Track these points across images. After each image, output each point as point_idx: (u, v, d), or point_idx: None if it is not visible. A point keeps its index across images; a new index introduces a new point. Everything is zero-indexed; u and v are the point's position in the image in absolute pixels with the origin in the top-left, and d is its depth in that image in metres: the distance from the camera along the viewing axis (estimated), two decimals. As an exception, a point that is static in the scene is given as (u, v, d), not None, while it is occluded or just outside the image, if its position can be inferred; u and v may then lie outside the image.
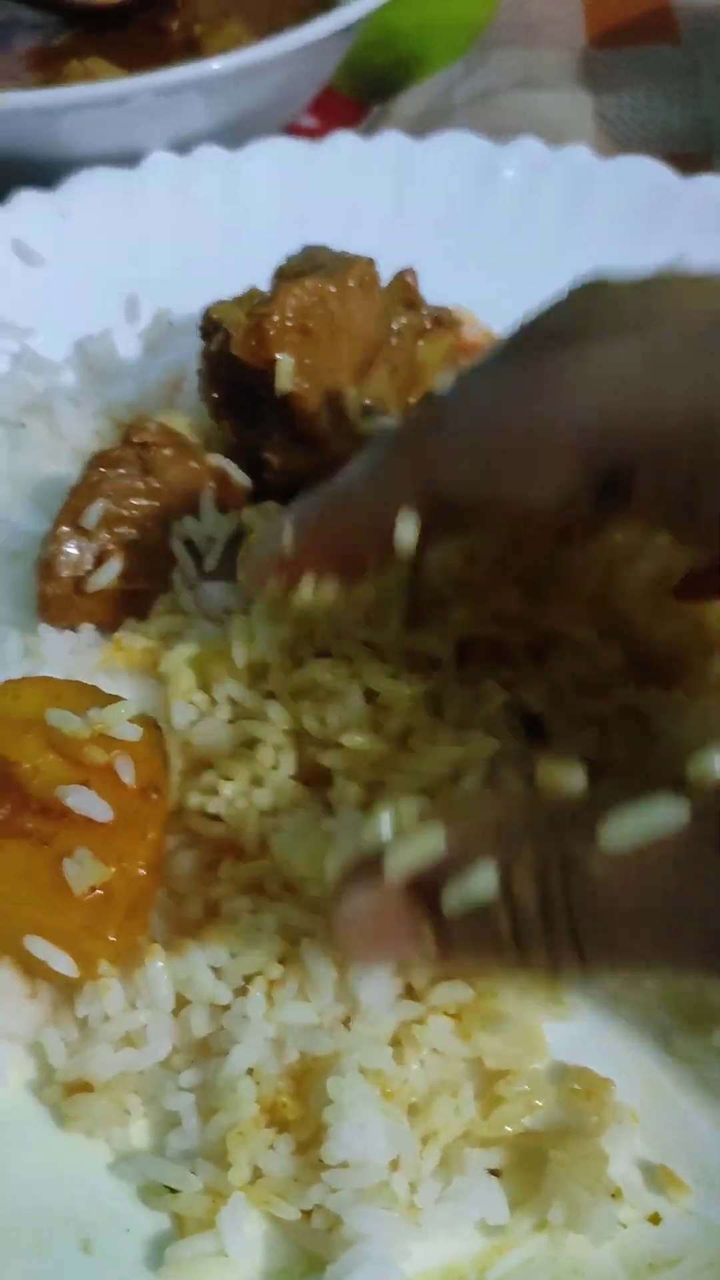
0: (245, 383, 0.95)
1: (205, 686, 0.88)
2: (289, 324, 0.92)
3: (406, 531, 0.63)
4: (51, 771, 0.78)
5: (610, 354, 0.56)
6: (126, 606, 0.96)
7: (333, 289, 0.94)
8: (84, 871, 0.73)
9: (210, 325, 0.97)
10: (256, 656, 0.86)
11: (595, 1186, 0.69)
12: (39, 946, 0.72)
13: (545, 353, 0.58)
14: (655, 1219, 0.72)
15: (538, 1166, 0.71)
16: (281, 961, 0.75)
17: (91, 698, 0.83)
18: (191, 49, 1.52)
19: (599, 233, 1.22)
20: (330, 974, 0.73)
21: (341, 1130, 0.68)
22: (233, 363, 0.95)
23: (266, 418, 0.97)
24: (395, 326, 1.01)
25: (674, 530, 0.60)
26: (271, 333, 0.92)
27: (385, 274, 1.09)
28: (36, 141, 1.25)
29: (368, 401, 0.97)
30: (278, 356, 0.92)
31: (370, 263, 0.98)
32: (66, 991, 0.76)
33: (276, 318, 0.92)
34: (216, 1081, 0.72)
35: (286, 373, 0.92)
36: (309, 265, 0.98)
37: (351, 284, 0.96)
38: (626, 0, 1.74)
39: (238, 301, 0.96)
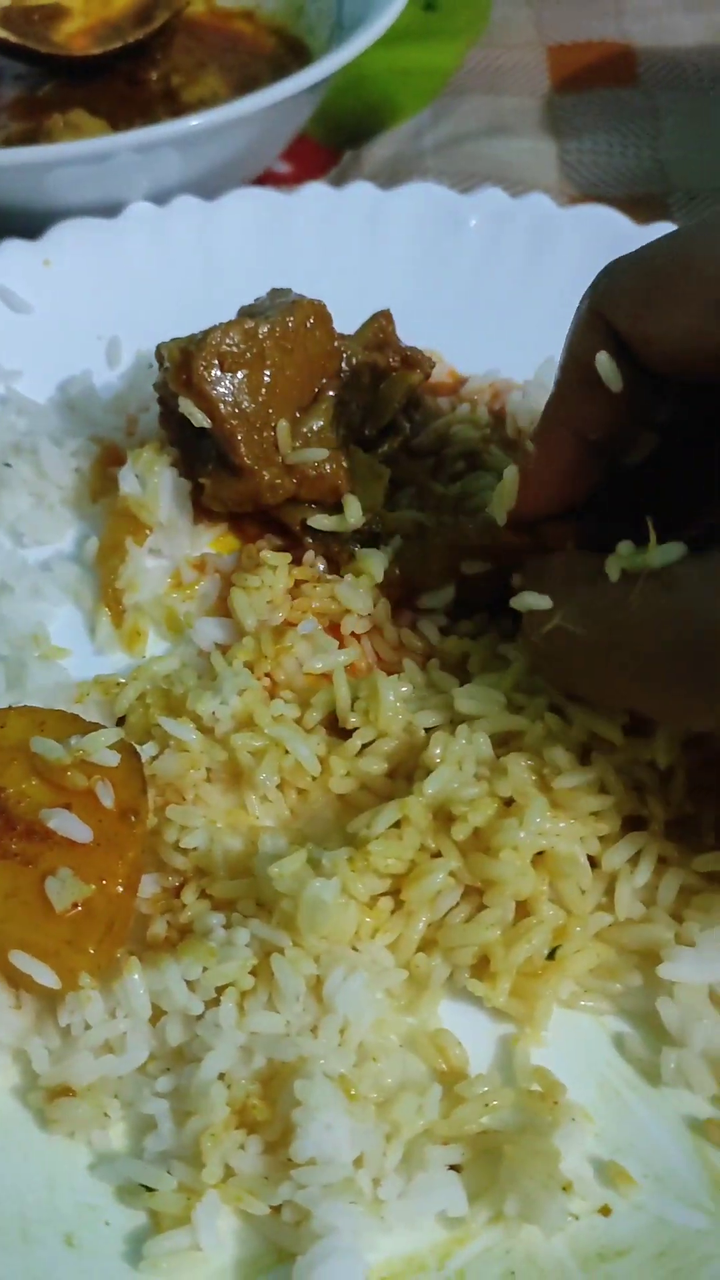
0: (182, 414, 1.01)
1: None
2: (214, 362, 0.99)
3: (606, 366, 0.77)
4: (35, 796, 0.83)
5: None
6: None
7: (265, 329, 1.00)
8: (66, 889, 0.77)
9: (159, 360, 1.04)
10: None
11: (548, 1181, 0.73)
12: (23, 960, 0.77)
13: None
14: (606, 1211, 0.76)
15: (495, 1162, 0.76)
16: (253, 973, 0.80)
17: (73, 726, 0.89)
18: (170, 99, 1.59)
19: (557, 277, 1.27)
20: (299, 985, 0.78)
21: (309, 1130, 0.72)
22: (173, 395, 1.02)
23: (203, 445, 1.04)
24: (345, 365, 1.06)
25: None
26: (200, 369, 0.99)
27: (358, 318, 1.15)
28: (22, 194, 1.31)
29: (306, 431, 1.02)
30: (182, 398, 1.00)
31: (316, 305, 1.05)
32: (49, 1001, 0.81)
33: (204, 354, 0.99)
34: (190, 1086, 0.76)
35: (193, 412, 1.00)
36: (267, 306, 1.04)
37: (291, 323, 1.02)
38: (588, 46, 1.81)
39: (183, 340, 1.02)
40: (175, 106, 1.58)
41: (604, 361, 0.77)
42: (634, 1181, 0.77)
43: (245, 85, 1.43)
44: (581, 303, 0.80)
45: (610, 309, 0.76)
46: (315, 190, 1.34)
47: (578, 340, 0.80)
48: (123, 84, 1.63)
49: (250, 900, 0.84)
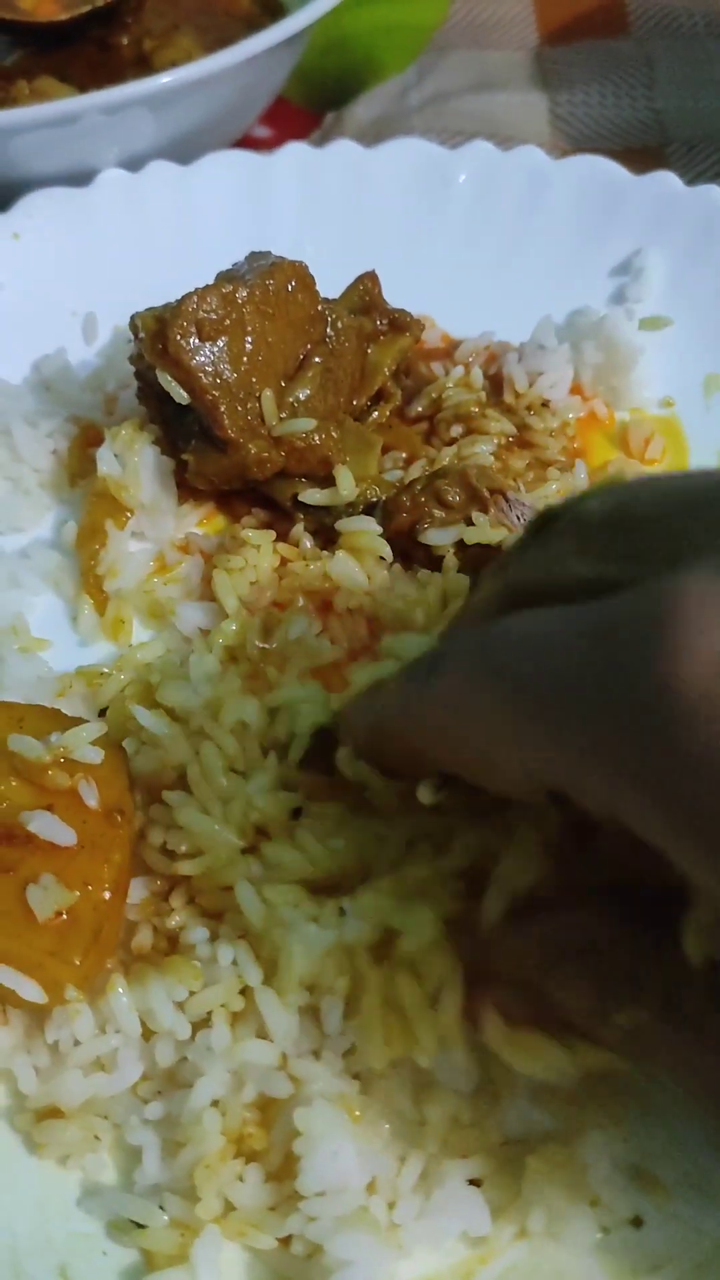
0: (161, 388, 0.96)
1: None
2: (191, 330, 0.93)
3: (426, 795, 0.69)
4: (14, 797, 0.77)
5: None
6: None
7: (244, 293, 0.94)
8: (48, 897, 0.72)
9: (134, 332, 0.98)
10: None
11: (574, 1194, 0.69)
12: (4, 974, 0.71)
13: None
14: (638, 1222, 0.71)
15: (517, 1175, 0.71)
16: (243, 993, 0.74)
17: (53, 721, 0.83)
18: (142, 64, 1.52)
19: (553, 233, 1.22)
20: (285, 1019, 0.72)
21: (314, 1162, 0.67)
22: (150, 368, 0.96)
23: (185, 420, 0.99)
24: (331, 330, 1.00)
25: None
26: (176, 337, 0.93)
27: (345, 280, 1.09)
28: (-14, 164, 1.24)
29: (293, 401, 0.97)
30: (159, 370, 0.94)
31: (297, 266, 0.99)
32: (37, 1016, 0.76)
33: (180, 322, 0.93)
34: (182, 1115, 0.71)
35: (172, 384, 0.94)
36: (245, 270, 0.99)
37: (272, 286, 0.96)
38: (578, -5, 1.74)
39: (158, 309, 0.97)
40: (148, 71, 1.50)
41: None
42: (666, 1190, 0.72)
43: (220, 47, 1.37)
44: None
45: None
46: (296, 150, 1.28)
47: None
48: (93, 50, 1.56)
49: (237, 919, 0.76)
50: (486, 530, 0.94)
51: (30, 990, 0.72)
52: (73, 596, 1.03)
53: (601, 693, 0.50)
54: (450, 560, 0.95)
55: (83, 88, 1.48)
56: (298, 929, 0.72)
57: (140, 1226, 0.69)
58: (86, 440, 1.11)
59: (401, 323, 1.07)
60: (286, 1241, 0.68)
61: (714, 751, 0.46)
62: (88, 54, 1.56)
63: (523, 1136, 0.72)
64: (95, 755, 0.79)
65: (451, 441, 1.07)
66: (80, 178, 1.24)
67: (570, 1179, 0.69)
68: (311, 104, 1.60)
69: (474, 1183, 0.71)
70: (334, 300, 1.05)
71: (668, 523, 0.59)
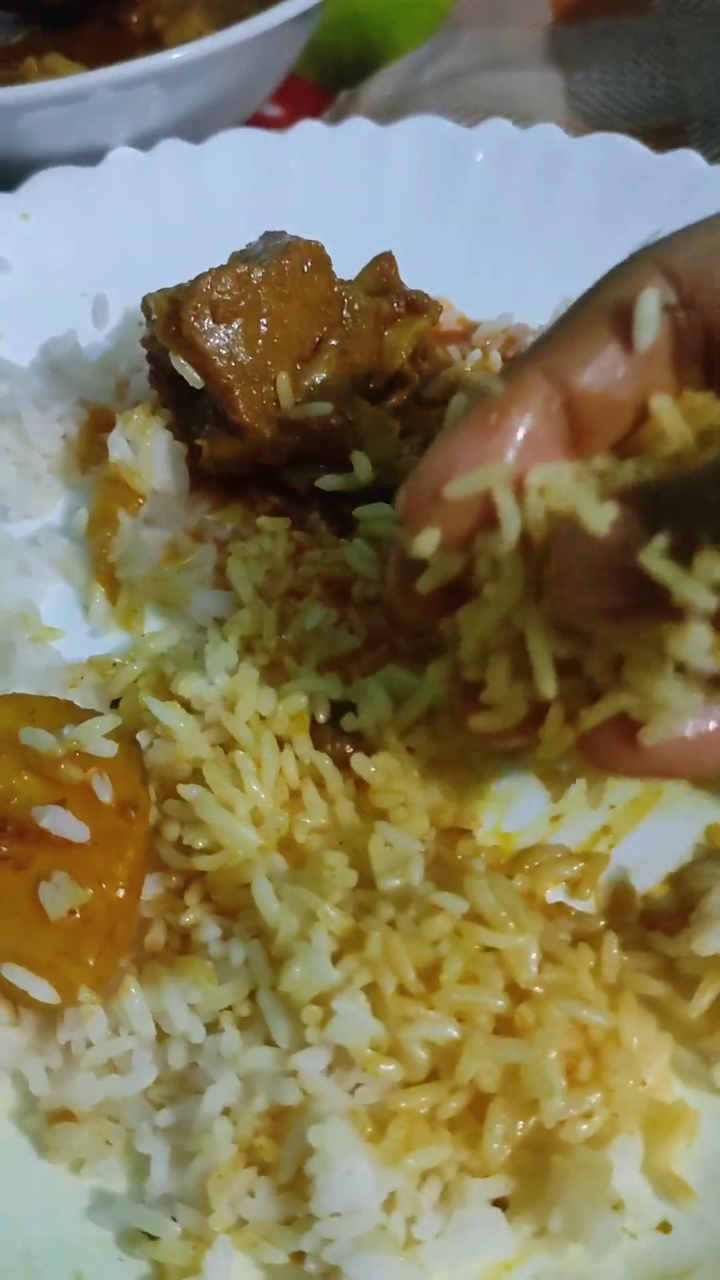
0: (174, 371, 0.93)
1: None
2: (205, 311, 0.91)
3: (649, 305, 0.61)
4: (26, 792, 0.76)
5: None
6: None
7: (259, 274, 0.92)
8: (61, 895, 0.70)
9: (146, 314, 0.96)
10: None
11: (597, 1197, 0.67)
12: (17, 975, 0.70)
13: None
14: (666, 1228, 0.70)
15: (543, 1193, 0.69)
16: (251, 996, 0.72)
17: (66, 714, 0.81)
18: (152, 42, 1.49)
19: (572, 213, 1.19)
20: (287, 1026, 0.70)
21: (329, 1181, 0.65)
22: (163, 350, 0.94)
23: (199, 403, 0.96)
24: (347, 312, 0.98)
25: None
26: (190, 319, 0.91)
27: (360, 263, 1.06)
28: (-6, 142, 1.22)
29: (308, 384, 0.94)
30: (173, 353, 0.92)
31: (313, 246, 0.96)
32: (49, 1017, 0.74)
33: (194, 303, 0.91)
34: (193, 1123, 0.69)
35: (185, 367, 0.92)
36: (260, 250, 0.96)
37: (287, 267, 0.93)
38: (594, -27, 1.71)
39: (171, 290, 0.95)
40: (158, 49, 1.48)
41: (649, 300, 0.61)
42: (694, 1194, 0.70)
43: (231, 24, 1.34)
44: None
45: (672, 252, 0.63)
46: (309, 129, 1.25)
47: (611, 280, 0.65)
48: (101, 28, 1.53)
49: (251, 917, 0.75)
50: None
51: (43, 991, 0.70)
52: (84, 585, 1.01)
53: None
54: None
55: (91, 66, 1.44)
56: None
57: (151, 1238, 0.68)
58: (97, 425, 1.09)
59: (419, 304, 1.05)
60: (298, 1257, 0.67)
61: None
62: (96, 32, 1.53)
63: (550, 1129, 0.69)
64: (109, 749, 0.78)
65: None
66: (90, 157, 1.22)
67: (594, 1183, 0.67)
68: (324, 82, 1.58)
69: (498, 1203, 0.69)
70: (350, 281, 1.03)
71: None
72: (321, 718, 0.85)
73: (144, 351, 1.02)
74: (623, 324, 0.63)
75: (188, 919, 0.77)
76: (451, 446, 0.63)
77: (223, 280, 0.92)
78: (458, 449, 0.63)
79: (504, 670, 0.68)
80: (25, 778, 0.76)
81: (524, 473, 0.63)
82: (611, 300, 0.64)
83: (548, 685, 0.63)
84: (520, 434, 0.63)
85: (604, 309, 0.64)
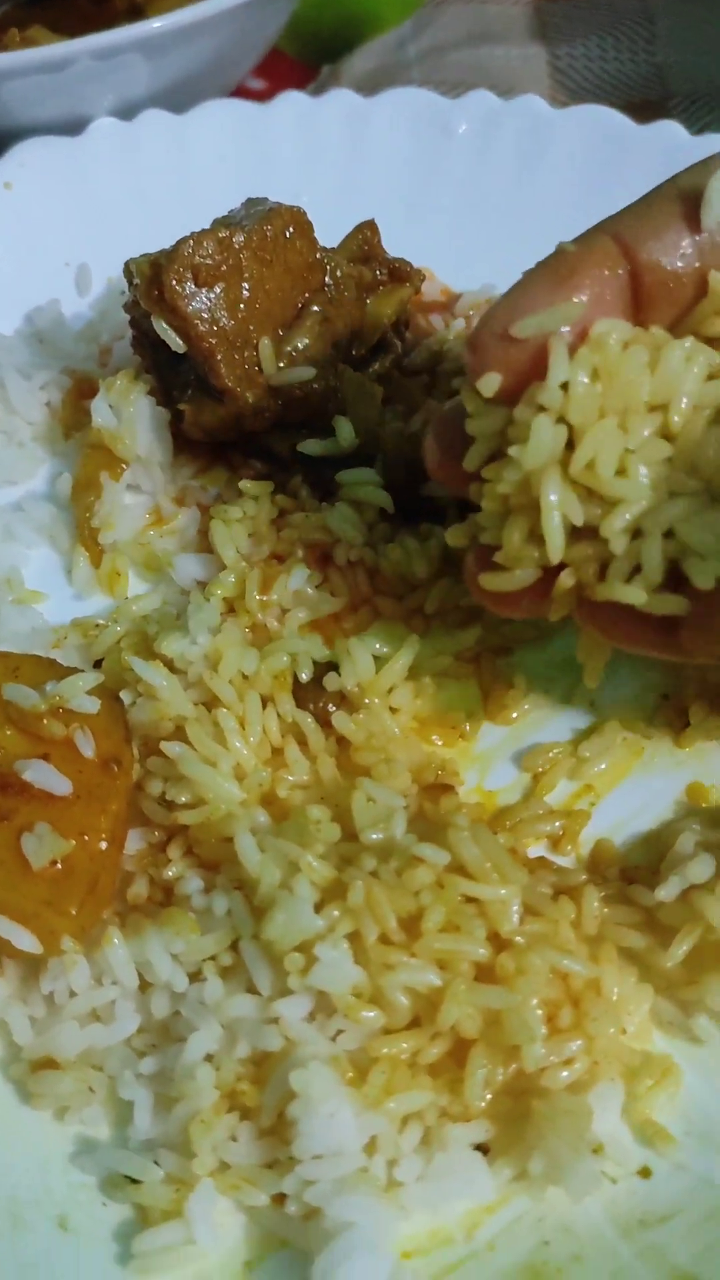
0: (156, 336, 0.94)
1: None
2: (187, 275, 0.91)
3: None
4: (10, 746, 0.76)
5: None
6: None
7: (241, 239, 0.92)
8: (43, 846, 0.71)
9: (128, 278, 0.96)
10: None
11: (577, 1141, 0.67)
12: (0, 924, 0.70)
13: None
14: (646, 1173, 0.70)
15: (523, 1125, 0.69)
16: (234, 947, 0.72)
17: (49, 671, 0.82)
18: (135, 16, 1.49)
19: (555, 184, 1.20)
20: (269, 974, 0.70)
21: (311, 1125, 0.65)
22: (145, 315, 0.94)
23: (181, 369, 0.96)
24: (330, 279, 0.98)
25: None
26: (172, 282, 0.91)
27: (342, 231, 1.06)
28: (-24, 112, 1.22)
29: (291, 350, 0.95)
30: (155, 317, 0.92)
31: (295, 212, 0.96)
32: (32, 967, 0.74)
33: (176, 267, 0.91)
34: (175, 1070, 0.69)
35: (167, 331, 0.92)
36: (242, 216, 0.96)
37: (270, 232, 0.94)
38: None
39: (153, 254, 0.95)
40: (141, 22, 1.49)
41: (718, 181, 0.69)
42: (674, 1140, 0.71)
43: (216, -3, 1.34)
44: None
45: None
46: (293, 99, 1.25)
47: (689, 169, 0.72)
48: (85, 2, 1.53)
49: (234, 870, 0.75)
50: None
51: (25, 940, 0.70)
52: (68, 549, 1.01)
53: None
54: (452, 512, 0.93)
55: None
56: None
57: (134, 1182, 0.68)
58: (80, 392, 1.09)
59: (401, 272, 1.05)
60: (279, 1199, 0.67)
61: None
62: (80, 6, 1.53)
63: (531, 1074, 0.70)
64: (92, 705, 0.78)
65: (453, 394, 1.05)
66: (73, 126, 1.22)
67: (574, 1127, 0.68)
68: (306, 56, 1.57)
69: (479, 1148, 0.69)
70: (333, 249, 1.03)
71: None
72: (304, 677, 0.85)
73: (126, 319, 1.01)
74: (692, 205, 0.70)
75: (170, 872, 0.77)
76: (523, 293, 0.69)
77: (205, 244, 0.92)
78: (529, 296, 0.68)
79: (520, 532, 0.71)
80: (8, 732, 0.77)
81: (588, 325, 0.68)
82: (684, 183, 0.71)
83: (555, 549, 0.68)
84: (588, 291, 0.68)
85: (676, 190, 0.71)
